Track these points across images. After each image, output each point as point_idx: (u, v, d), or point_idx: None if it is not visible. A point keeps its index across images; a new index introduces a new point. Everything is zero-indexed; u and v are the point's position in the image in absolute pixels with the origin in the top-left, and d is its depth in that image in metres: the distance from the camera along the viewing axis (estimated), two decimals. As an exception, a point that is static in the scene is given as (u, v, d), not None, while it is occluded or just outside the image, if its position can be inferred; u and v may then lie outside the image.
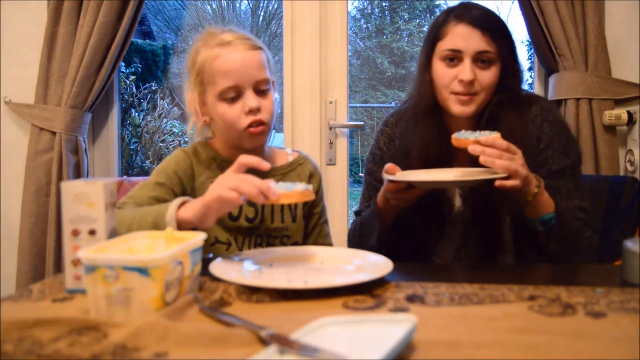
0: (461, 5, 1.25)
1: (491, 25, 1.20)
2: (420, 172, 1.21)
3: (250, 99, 1.16)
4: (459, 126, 1.26)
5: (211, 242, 1.21)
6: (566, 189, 1.22)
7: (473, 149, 1.05)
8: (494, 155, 1.03)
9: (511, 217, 1.24)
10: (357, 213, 1.38)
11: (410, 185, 1.13)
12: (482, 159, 1.04)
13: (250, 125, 1.17)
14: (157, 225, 1.00)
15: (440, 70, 1.23)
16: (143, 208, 1.08)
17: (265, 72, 1.20)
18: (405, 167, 1.25)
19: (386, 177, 1.13)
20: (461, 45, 1.19)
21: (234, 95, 1.16)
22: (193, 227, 1.00)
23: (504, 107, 1.23)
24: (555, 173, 1.23)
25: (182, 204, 1.03)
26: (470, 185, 1.25)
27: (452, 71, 1.21)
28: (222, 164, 1.23)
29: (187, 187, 1.21)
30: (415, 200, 1.17)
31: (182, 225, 1.00)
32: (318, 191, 1.34)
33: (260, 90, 1.19)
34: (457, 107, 1.22)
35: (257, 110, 1.17)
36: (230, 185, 0.95)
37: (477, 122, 1.25)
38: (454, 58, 1.21)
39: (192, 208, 1.00)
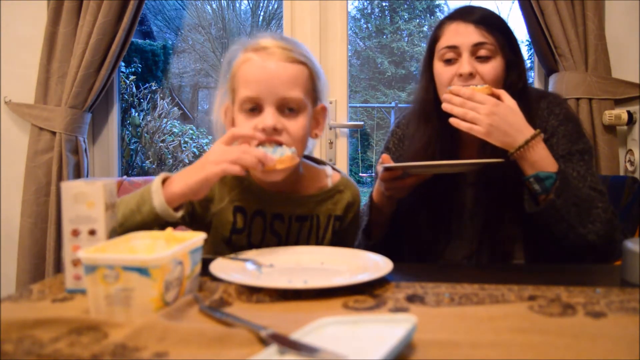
0: (456, 8, 1.26)
1: (485, 20, 1.20)
2: (419, 163, 1.21)
3: (266, 117, 1.02)
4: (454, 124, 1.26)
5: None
6: (576, 172, 1.17)
7: (444, 97, 1.13)
8: (456, 104, 1.10)
9: (524, 216, 1.20)
10: None
11: (405, 174, 1.13)
12: (443, 106, 1.12)
13: (257, 144, 1.02)
14: (144, 198, 0.97)
15: (440, 70, 1.22)
16: (124, 200, 1.03)
17: (298, 91, 1.04)
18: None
19: (381, 166, 1.14)
20: (456, 41, 1.19)
21: (251, 107, 1.04)
22: (186, 199, 0.97)
23: None
24: (561, 157, 1.18)
25: (167, 178, 0.99)
26: (463, 170, 1.24)
27: (451, 69, 1.20)
28: (249, 187, 1.13)
29: (195, 203, 1.10)
30: (409, 190, 1.17)
31: (172, 199, 0.96)
32: (353, 220, 1.21)
33: (289, 109, 1.05)
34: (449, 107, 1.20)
35: (272, 130, 1.02)
36: (232, 159, 0.93)
37: None
38: (452, 59, 1.20)
39: (185, 181, 0.95)
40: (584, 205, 1.10)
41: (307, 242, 1.17)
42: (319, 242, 1.18)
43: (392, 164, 1.13)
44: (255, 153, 0.95)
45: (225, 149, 0.96)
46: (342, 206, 1.18)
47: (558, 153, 1.19)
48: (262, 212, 1.14)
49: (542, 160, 1.10)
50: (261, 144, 1.03)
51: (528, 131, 1.10)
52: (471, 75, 1.18)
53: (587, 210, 1.10)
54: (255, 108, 1.05)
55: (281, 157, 0.97)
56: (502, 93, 1.13)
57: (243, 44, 1.11)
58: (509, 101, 1.12)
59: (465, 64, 1.17)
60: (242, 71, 1.06)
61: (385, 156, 1.16)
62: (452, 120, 1.12)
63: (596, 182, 1.17)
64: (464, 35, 1.19)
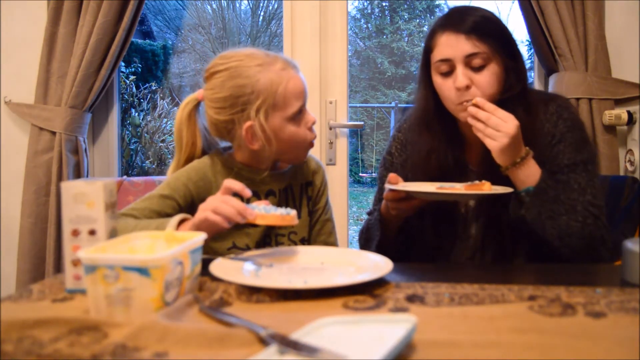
0: (448, 12, 1.24)
1: (477, 27, 1.16)
2: (423, 183, 1.20)
3: (310, 116, 1.23)
4: (472, 132, 1.24)
5: (228, 246, 1.22)
6: (577, 184, 1.19)
7: (470, 110, 1.13)
8: (482, 118, 1.12)
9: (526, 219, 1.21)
10: (368, 213, 1.39)
11: (410, 196, 1.13)
12: (467, 119, 1.15)
13: (313, 138, 1.24)
14: (159, 229, 1.03)
15: (439, 84, 1.21)
16: (144, 222, 1.10)
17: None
18: (415, 174, 1.25)
19: (387, 186, 1.14)
20: (449, 54, 1.18)
21: (300, 114, 1.20)
22: None
23: (511, 107, 1.19)
24: (566, 167, 1.20)
25: (183, 220, 1.06)
26: (468, 200, 1.26)
27: (449, 82, 1.19)
28: (240, 172, 1.23)
29: (196, 200, 1.18)
30: (414, 210, 1.17)
31: None
32: (320, 187, 1.34)
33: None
34: (463, 115, 1.19)
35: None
36: (213, 208, 1.00)
37: None
38: (448, 70, 1.19)
39: (193, 221, 1.03)
40: (560, 220, 1.14)
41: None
42: (295, 209, 1.28)
43: (397, 187, 1.12)
44: (234, 204, 0.99)
45: (213, 198, 1.03)
46: (309, 173, 1.34)
47: (563, 162, 1.21)
48: (257, 192, 1.23)
49: (531, 176, 1.15)
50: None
51: (523, 150, 1.15)
52: (467, 87, 1.17)
53: (564, 223, 1.14)
54: (302, 111, 1.20)
55: (266, 213, 1.00)
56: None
57: (261, 66, 1.16)
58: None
59: (461, 78, 1.16)
60: (290, 88, 1.17)
61: (393, 175, 1.15)
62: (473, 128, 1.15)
63: (595, 195, 1.19)
64: (456, 47, 1.17)
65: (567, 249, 1.15)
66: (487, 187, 1.09)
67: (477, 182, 1.11)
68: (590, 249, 1.16)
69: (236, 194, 1.05)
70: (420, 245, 1.30)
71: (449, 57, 1.18)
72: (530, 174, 1.15)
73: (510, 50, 1.20)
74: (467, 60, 1.17)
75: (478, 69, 1.17)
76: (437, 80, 1.21)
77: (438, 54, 1.20)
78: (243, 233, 1.22)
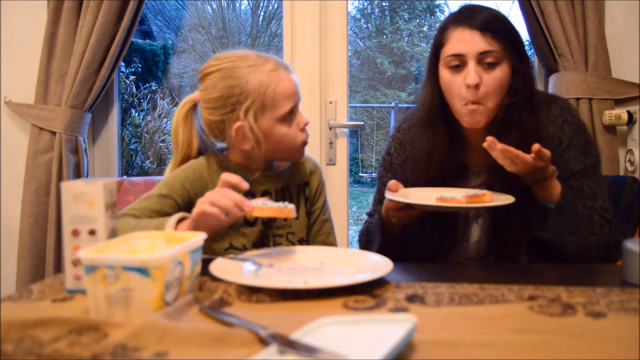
0: (460, 9, 1.23)
1: (491, 24, 1.16)
2: (424, 190, 1.20)
3: (303, 117, 1.23)
4: (474, 134, 1.24)
5: (225, 247, 1.22)
6: (590, 189, 1.20)
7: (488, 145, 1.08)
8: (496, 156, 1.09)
9: (527, 220, 1.21)
10: (368, 214, 1.39)
11: (410, 205, 1.12)
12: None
13: (305, 139, 1.24)
14: (158, 229, 1.04)
15: (447, 78, 1.19)
16: (143, 221, 1.10)
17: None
18: (415, 174, 1.24)
19: (387, 195, 1.13)
20: (462, 49, 1.16)
21: (291, 115, 1.20)
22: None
23: (517, 111, 1.18)
24: (578, 173, 1.21)
25: (182, 219, 1.07)
26: (470, 210, 1.25)
27: (459, 78, 1.17)
28: (235, 172, 1.21)
29: (194, 199, 1.16)
30: (415, 219, 1.17)
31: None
32: (318, 188, 1.34)
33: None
34: (467, 120, 1.18)
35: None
36: (210, 200, 1.00)
37: (491, 128, 1.20)
38: (458, 65, 1.17)
39: (185, 224, 1.05)
40: (579, 234, 1.15)
41: None
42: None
43: (397, 198, 1.11)
44: (231, 196, 1.00)
45: (211, 192, 1.04)
46: (305, 173, 1.34)
47: (575, 168, 1.22)
48: (252, 192, 1.22)
49: (552, 192, 1.14)
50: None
51: (547, 170, 1.13)
52: (477, 86, 1.15)
53: (583, 238, 1.15)
54: (291, 116, 1.20)
55: (262, 205, 1.00)
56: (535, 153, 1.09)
57: (251, 67, 1.17)
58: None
59: (472, 75, 1.15)
60: (279, 90, 1.17)
61: (393, 183, 1.14)
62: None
63: (604, 198, 1.21)
64: (470, 42, 1.15)
65: (583, 261, 1.16)
66: (488, 198, 1.07)
67: (477, 191, 1.10)
68: (606, 257, 1.17)
69: (234, 188, 1.05)
70: (420, 246, 1.30)
71: (462, 52, 1.16)
72: (551, 192, 1.14)
73: (519, 53, 1.20)
74: (480, 58, 1.15)
75: (489, 68, 1.16)
76: (445, 75, 1.20)
77: (450, 48, 1.18)
78: (240, 233, 1.22)
